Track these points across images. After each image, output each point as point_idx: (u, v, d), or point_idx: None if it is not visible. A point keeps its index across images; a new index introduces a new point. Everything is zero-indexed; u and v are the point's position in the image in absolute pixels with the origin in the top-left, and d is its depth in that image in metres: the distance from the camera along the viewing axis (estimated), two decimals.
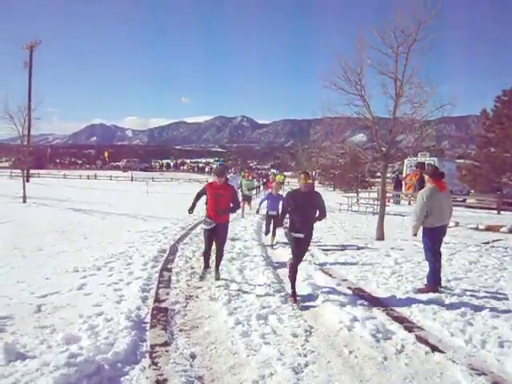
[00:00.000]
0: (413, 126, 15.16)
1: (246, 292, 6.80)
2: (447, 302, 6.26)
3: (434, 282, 7.06)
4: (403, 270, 8.31)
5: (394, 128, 13.73)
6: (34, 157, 38.28)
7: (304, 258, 9.19)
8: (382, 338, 4.98)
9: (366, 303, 6.24)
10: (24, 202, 21.84)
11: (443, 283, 7.22)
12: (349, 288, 7.12)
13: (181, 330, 5.29)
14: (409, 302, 6.29)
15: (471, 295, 6.66)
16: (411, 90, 15.20)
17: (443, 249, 10.69)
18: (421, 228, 7.20)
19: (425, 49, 14.43)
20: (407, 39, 15.33)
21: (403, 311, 5.97)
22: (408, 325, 5.42)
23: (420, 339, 4.96)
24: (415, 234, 7.30)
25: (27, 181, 28.08)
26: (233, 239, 11.79)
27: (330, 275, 7.95)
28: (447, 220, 7.35)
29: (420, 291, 6.86)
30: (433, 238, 7.14)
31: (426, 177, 7.42)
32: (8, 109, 22.53)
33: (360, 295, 6.70)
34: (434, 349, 4.71)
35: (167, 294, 6.73)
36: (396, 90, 15.24)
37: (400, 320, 5.59)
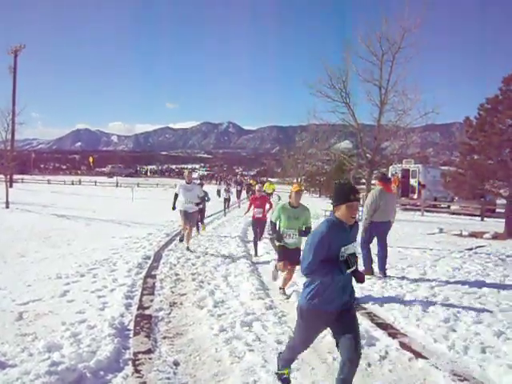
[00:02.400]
0: (397, 133, 15.31)
1: (231, 299, 6.79)
2: (430, 308, 6.30)
3: (369, 266, 8.50)
4: (387, 277, 8.34)
5: (379, 135, 13.82)
6: (18, 162, 37.87)
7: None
8: (366, 344, 4.99)
9: None
10: (7, 207, 21.63)
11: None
12: None
13: (164, 338, 5.25)
14: (392, 308, 6.32)
15: (454, 301, 6.71)
16: (395, 97, 15.40)
17: (427, 255, 10.90)
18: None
19: (409, 56, 14.69)
20: (392, 47, 15.53)
21: (387, 317, 5.99)
22: (392, 331, 5.44)
23: (403, 345, 4.98)
24: (366, 229, 8.59)
25: (10, 186, 27.78)
26: (218, 245, 11.77)
27: None
28: (391, 217, 8.70)
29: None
30: (371, 231, 8.55)
31: (376, 181, 9.47)
32: None
33: None
34: (418, 355, 4.73)
35: (151, 300, 6.68)
36: (381, 98, 15.37)
37: (384, 326, 5.61)
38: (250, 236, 14.17)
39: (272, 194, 28.91)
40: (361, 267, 8.43)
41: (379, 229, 8.55)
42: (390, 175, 30.06)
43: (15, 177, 43.66)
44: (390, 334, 5.29)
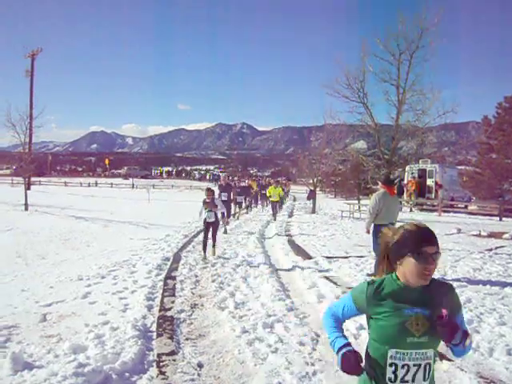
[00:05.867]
0: (415, 133, 15.20)
1: (251, 300, 6.79)
2: None
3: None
4: None
5: (397, 135, 13.71)
6: (35, 164, 38.24)
7: (307, 266, 9.27)
8: None
9: None
10: (26, 209, 21.88)
11: None
12: None
13: (187, 339, 5.27)
14: None
15: (477, 303, 6.63)
16: (413, 97, 15.30)
17: (447, 256, 10.78)
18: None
19: (427, 55, 14.55)
20: (409, 46, 15.45)
21: None
22: None
23: None
24: (368, 231, 8.75)
25: (28, 188, 28.08)
26: (236, 247, 11.79)
27: (335, 283, 7.93)
28: (394, 219, 8.74)
29: (369, 276, 8.30)
30: (376, 235, 8.29)
31: (379, 183, 9.28)
32: (10, 117, 22.75)
33: None
34: (442, 357, 4.68)
35: (172, 302, 6.72)
36: (398, 97, 15.30)
37: None
38: (268, 237, 14.21)
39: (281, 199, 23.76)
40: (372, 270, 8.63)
41: None
42: (407, 176, 29.95)
43: (33, 179, 44.08)
44: None
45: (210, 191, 10.56)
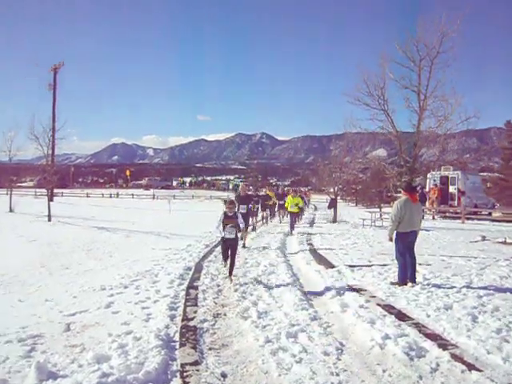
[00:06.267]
0: (437, 140, 15.02)
1: (274, 310, 6.73)
2: (480, 318, 6.11)
3: (402, 278, 8.41)
4: (432, 286, 8.13)
5: (419, 142, 13.57)
6: (58, 176, 38.76)
7: (330, 275, 9.19)
8: (416, 355, 4.87)
9: (396, 320, 6.12)
10: (49, 220, 22.12)
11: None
12: (378, 305, 7.00)
13: (210, 349, 5.24)
14: (441, 318, 6.15)
15: (505, 311, 6.48)
16: (435, 103, 15.16)
17: (472, 263, 10.61)
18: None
19: (449, 61, 14.39)
20: (430, 52, 15.33)
21: (436, 328, 5.83)
22: (442, 342, 5.28)
23: (455, 357, 4.83)
24: (391, 239, 8.69)
25: (51, 200, 28.42)
26: (257, 256, 11.75)
27: (358, 292, 7.84)
28: (417, 226, 8.67)
29: (393, 284, 8.33)
30: (403, 241, 8.49)
31: (401, 190, 9.32)
32: (34, 130, 23.23)
33: (390, 312, 6.57)
34: (471, 367, 4.58)
35: (195, 312, 6.70)
36: (420, 104, 15.17)
37: (433, 337, 5.46)
38: (290, 247, 14.16)
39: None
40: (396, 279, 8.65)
41: (405, 239, 8.50)
42: (429, 184, 29.63)
43: (55, 191, 44.65)
44: (440, 345, 5.13)
45: (231, 203, 9.22)
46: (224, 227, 8.84)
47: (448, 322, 5.95)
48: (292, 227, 18.31)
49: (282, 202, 23.56)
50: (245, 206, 13.66)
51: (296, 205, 18.68)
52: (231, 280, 8.79)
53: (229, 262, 9.06)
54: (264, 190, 26.78)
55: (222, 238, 9.00)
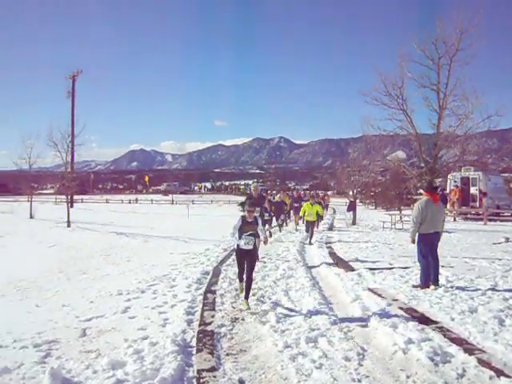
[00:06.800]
0: (458, 139, 14.77)
1: (293, 314, 6.58)
2: (507, 322, 5.89)
3: (424, 280, 8.20)
4: (456, 289, 7.90)
5: (439, 142, 13.31)
6: (77, 182, 39.15)
7: (350, 278, 9.01)
8: (441, 361, 4.69)
9: (419, 324, 5.92)
10: (68, 226, 22.26)
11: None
12: (400, 308, 6.81)
13: (228, 354, 5.11)
14: (466, 322, 5.94)
15: None
16: (455, 101, 14.91)
17: (497, 266, 10.34)
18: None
19: (468, 58, 14.15)
20: (449, 50, 15.10)
21: (460, 332, 5.62)
22: (467, 347, 5.08)
23: (482, 362, 4.63)
24: (413, 241, 8.49)
25: (71, 206, 28.64)
26: (276, 260, 11.62)
27: (380, 295, 7.64)
28: (439, 228, 8.49)
29: (415, 287, 8.14)
30: (425, 243, 8.33)
31: (422, 191, 9.32)
32: (52, 136, 23.51)
33: (413, 316, 6.38)
34: (499, 373, 4.38)
35: (212, 316, 6.59)
36: (439, 103, 14.92)
37: (458, 342, 5.25)
38: (308, 251, 14.00)
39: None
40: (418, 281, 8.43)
41: (428, 240, 8.35)
42: (449, 185, 29.17)
43: (75, 197, 45.04)
44: (466, 350, 4.93)
45: (252, 206, 7.45)
46: (241, 235, 7.27)
47: (473, 326, 5.74)
48: (310, 237, 16.20)
49: (297, 205, 22.65)
50: (257, 209, 10.53)
51: (315, 213, 16.50)
52: (247, 304, 7.07)
53: (244, 279, 7.40)
54: (278, 195, 23.56)
55: (238, 248, 7.39)
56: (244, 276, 7.46)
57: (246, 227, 7.31)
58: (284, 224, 22.48)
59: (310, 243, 15.68)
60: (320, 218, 17.70)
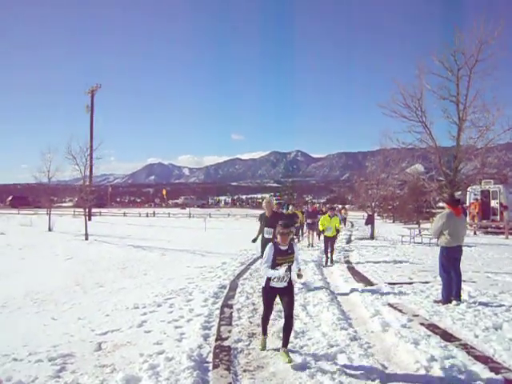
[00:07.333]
0: (478, 151, 14.57)
1: (312, 329, 6.45)
2: None
3: (446, 295, 8.02)
4: (479, 305, 7.69)
5: (459, 154, 13.11)
6: (96, 196, 39.44)
7: (369, 293, 8.83)
8: (466, 380, 4.52)
9: (442, 341, 5.75)
10: (86, 239, 22.36)
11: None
12: (421, 324, 6.64)
13: (245, 371, 4.99)
14: (490, 339, 5.76)
15: None
16: (475, 113, 14.72)
17: None
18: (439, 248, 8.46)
19: (488, 69, 13.97)
20: (468, 61, 14.95)
21: (485, 349, 5.45)
22: (493, 365, 4.90)
23: (510, 382, 4.46)
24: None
25: (89, 219, 28.81)
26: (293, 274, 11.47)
27: (400, 310, 7.47)
28: (462, 241, 8.36)
29: (436, 303, 7.97)
30: (447, 257, 8.20)
31: (444, 204, 9.03)
32: (71, 150, 23.79)
33: (435, 332, 6.21)
34: None
35: (229, 331, 6.47)
36: (459, 115, 14.75)
37: (483, 360, 5.08)
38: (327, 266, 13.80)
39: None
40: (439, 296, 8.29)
41: (451, 254, 8.21)
42: (469, 198, 28.76)
43: (93, 210, 45.37)
44: (492, 369, 4.76)
45: (286, 228, 5.38)
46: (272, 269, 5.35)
47: (499, 344, 5.56)
48: (328, 255, 14.00)
49: (310, 221, 20.53)
50: (271, 230, 8.98)
51: (334, 227, 14.08)
52: (287, 356, 5.16)
53: (282, 325, 5.58)
54: (290, 207, 21.31)
55: (267, 286, 5.50)
56: (269, 319, 5.90)
57: (279, 258, 5.33)
58: (296, 240, 19.81)
59: (327, 264, 13.65)
60: (337, 232, 14.89)
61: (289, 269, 5.36)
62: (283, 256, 5.34)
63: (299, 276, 5.78)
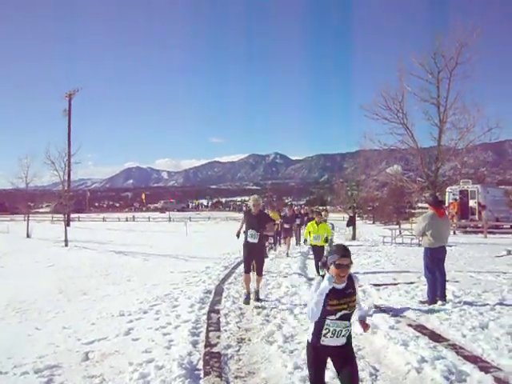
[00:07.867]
0: (459, 152, 14.76)
1: (301, 333, 6.43)
2: None
3: (432, 296, 8.12)
4: (464, 304, 7.77)
5: (440, 155, 13.29)
6: (74, 201, 38.96)
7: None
8: (456, 380, 4.57)
9: (430, 341, 5.80)
10: (66, 245, 22.01)
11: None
12: (409, 325, 6.68)
13: (236, 377, 4.95)
14: (478, 338, 5.83)
15: None
16: (455, 115, 14.93)
17: (502, 279, 10.24)
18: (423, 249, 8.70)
19: (468, 72, 14.17)
20: (448, 63, 15.17)
21: (473, 349, 5.50)
22: (483, 365, 4.95)
23: (499, 381, 4.51)
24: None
25: (68, 225, 28.42)
26: (278, 277, 11.46)
27: (386, 312, 7.50)
28: (445, 242, 8.47)
29: (422, 303, 8.06)
30: (431, 257, 8.31)
31: (428, 205, 9.19)
32: (50, 155, 23.51)
33: (423, 333, 6.25)
34: None
35: (218, 337, 6.42)
36: (440, 117, 14.92)
37: (472, 359, 5.13)
38: (310, 267, 13.83)
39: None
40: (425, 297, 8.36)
41: (434, 255, 8.33)
42: (448, 198, 29.12)
43: (72, 216, 44.79)
44: (481, 368, 4.80)
45: (346, 258, 3.40)
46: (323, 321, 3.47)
47: (486, 343, 5.62)
48: (318, 270, 11.56)
49: (287, 226, 18.82)
50: (254, 233, 8.57)
51: (324, 235, 12.01)
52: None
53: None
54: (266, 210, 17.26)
55: (317, 342, 3.56)
56: None
57: (333, 303, 3.42)
58: (271, 247, 18.63)
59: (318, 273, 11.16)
60: (330, 241, 12.45)
61: (348, 318, 3.51)
62: (340, 299, 3.42)
63: (365, 327, 3.84)
